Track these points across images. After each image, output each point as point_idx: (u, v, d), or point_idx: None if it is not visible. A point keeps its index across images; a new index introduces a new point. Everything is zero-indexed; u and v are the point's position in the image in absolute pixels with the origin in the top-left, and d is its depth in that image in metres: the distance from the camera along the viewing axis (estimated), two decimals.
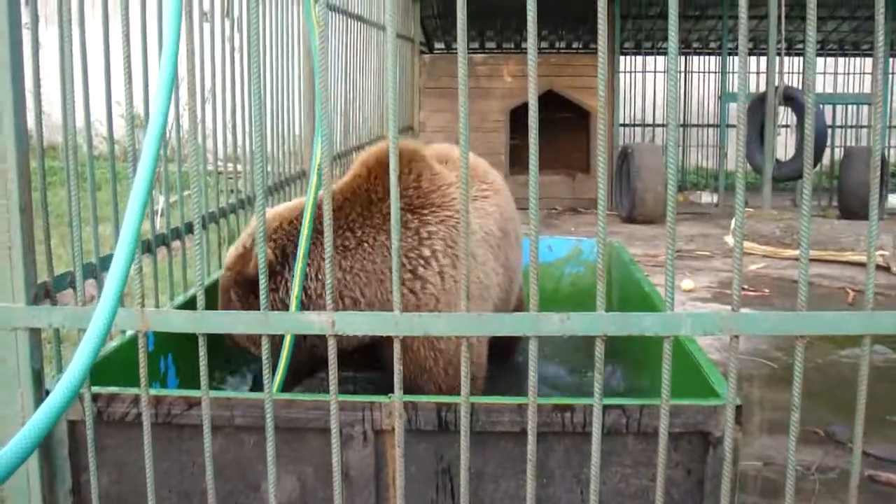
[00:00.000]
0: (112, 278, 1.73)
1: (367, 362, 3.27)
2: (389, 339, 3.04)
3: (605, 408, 2.10)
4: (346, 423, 2.18)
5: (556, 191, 12.15)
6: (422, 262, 3.02)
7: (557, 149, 12.74)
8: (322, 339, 2.98)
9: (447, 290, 3.05)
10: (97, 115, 2.56)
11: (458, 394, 3.01)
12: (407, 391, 2.13)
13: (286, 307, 2.93)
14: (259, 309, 2.96)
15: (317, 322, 2.00)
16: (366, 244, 3.02)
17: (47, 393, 2.23)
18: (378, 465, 2.22)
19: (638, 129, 14.06)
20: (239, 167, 4.36)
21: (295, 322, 2.03)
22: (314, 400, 2.21)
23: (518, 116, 11.97)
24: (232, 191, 4.21)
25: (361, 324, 2.00)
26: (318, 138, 2.87)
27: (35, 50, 2.41)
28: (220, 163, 4.21)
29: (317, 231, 3.03)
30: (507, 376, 3.82)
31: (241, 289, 3.03)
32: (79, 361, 1.59)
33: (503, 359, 4.06)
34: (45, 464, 2.21)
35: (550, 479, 2.22)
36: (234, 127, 4.04)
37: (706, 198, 12.64)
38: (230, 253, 3.13)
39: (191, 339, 2.09)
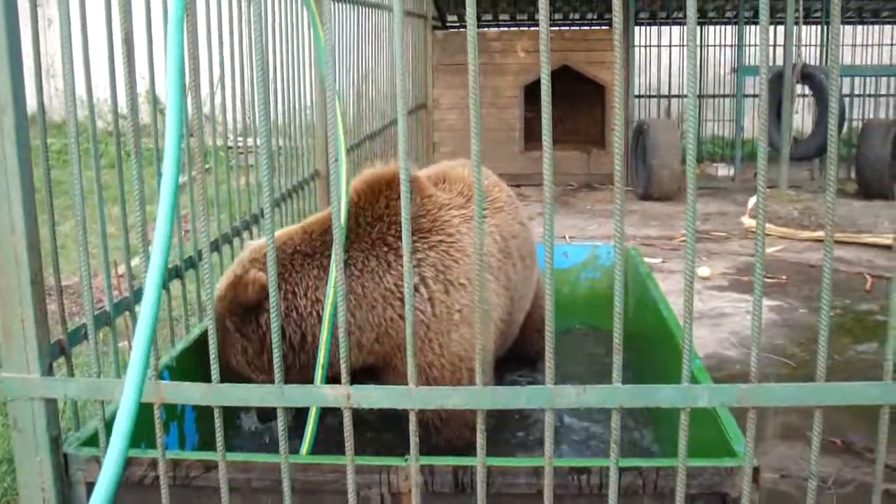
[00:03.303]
0: (133, 369, 1.73)
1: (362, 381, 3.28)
2: (389, 363, 3.08)
3: (622, 469, 2.10)
4: (363, 486, 2.19)
5: (572, 166, 12.07)
6: None
7: (572, 122, 12.65)
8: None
9: (438, 317, 3.04)
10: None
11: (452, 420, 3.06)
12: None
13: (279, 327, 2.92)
14: (255, 334, 3.00)
15: (331, 395, 2.00)
16: (353, 267, 3.00)
17: (65, 457, 2.24)
18: None
19: (653, 101, 13.91)
20: (250, 141, 4.26)
21: (310, 395, 2.03)
22: (331, 463, 2.21)
23: (533, 92, 11.88)
24: (242, 166, 4.16)
25: (377, 397, 2.00)
26: (341, 186, 2.85)
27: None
28: (229, 137, 4.14)
29: (304, 255, 3.03)
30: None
31: (236, 317, 2.99)
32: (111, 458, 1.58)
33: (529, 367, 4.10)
34: None
35: None
36: (243, 103, 3.97)
37: (723, 170, 12.53)
38: (220, 284, 3.08)
39: (206, 371, 2.09)
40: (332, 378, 2.79)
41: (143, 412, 2.13)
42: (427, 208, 3.18)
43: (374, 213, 3.06)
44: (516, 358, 3.96)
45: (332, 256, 2.81)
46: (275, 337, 2.02)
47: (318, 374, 2.73)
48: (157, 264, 1.74)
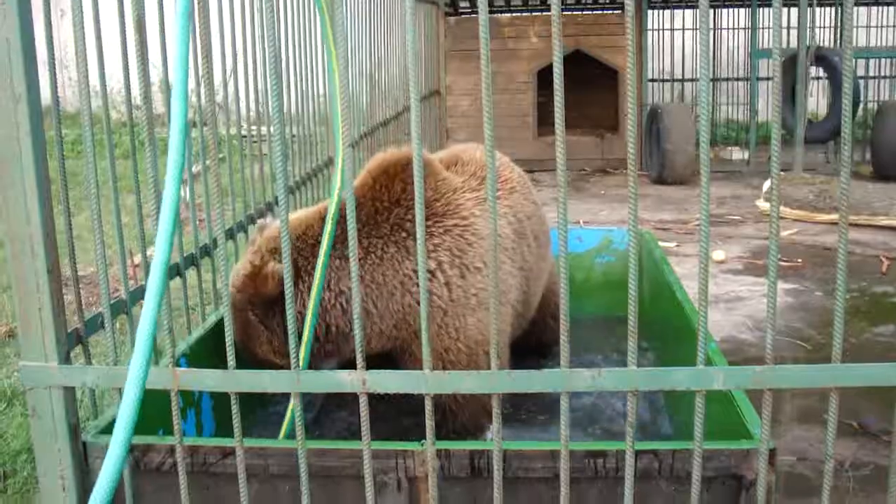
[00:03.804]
0: (138, 352, 1.75)
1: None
2: (406, 350, 3.09)
3: (638, 452, 2.10)
4: (379, 471, 2.19)
5: (585, 151, 12.06)
6: (427, 274, 2.99)
7: (585, 107, 12.62)
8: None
9: (455, 301, 3.03)
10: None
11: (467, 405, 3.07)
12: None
13: (304, 319, 2.91)
14: (280, 326, 3.00)
15: (347, 381, 2.01)
16: (373, 255, 2.98)
17: (84, 445, 2.26)
18: None
19: (667, 85, 13.84)
20: (264, 129, 4.26)
21: (326, 381, 2.03)
22: (348, 448, 2.22)
23: (546, 76, 11.85)
24: (256, 154, 4.16)
25: (392, 382, 2.01)
26: (340, 172, 2.83)
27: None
28: (243, 126, 4.13)
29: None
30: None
31: (258, 309, 2.97)
32: (114, 447, 1.60)
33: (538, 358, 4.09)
34: None
35: None
36: (256, 91, 3.98)
37: (737, 154, 12.47)
38: (237, 273, 3.03)
39: (222, 355, 2.10)
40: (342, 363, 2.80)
41: (160, 400, 2.15)
42: (441, 192, 3.16)
43: (391, 197, 3.05)
44: (526, 346, 3.92)
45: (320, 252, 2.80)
46: (290, 325, 2.02)
47: (301, 355, 2.69)
48: (161, 248, 1.75)
